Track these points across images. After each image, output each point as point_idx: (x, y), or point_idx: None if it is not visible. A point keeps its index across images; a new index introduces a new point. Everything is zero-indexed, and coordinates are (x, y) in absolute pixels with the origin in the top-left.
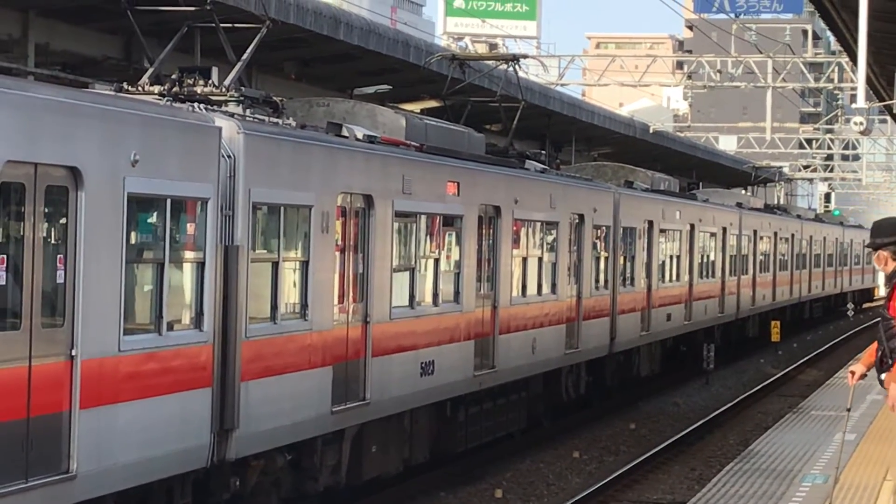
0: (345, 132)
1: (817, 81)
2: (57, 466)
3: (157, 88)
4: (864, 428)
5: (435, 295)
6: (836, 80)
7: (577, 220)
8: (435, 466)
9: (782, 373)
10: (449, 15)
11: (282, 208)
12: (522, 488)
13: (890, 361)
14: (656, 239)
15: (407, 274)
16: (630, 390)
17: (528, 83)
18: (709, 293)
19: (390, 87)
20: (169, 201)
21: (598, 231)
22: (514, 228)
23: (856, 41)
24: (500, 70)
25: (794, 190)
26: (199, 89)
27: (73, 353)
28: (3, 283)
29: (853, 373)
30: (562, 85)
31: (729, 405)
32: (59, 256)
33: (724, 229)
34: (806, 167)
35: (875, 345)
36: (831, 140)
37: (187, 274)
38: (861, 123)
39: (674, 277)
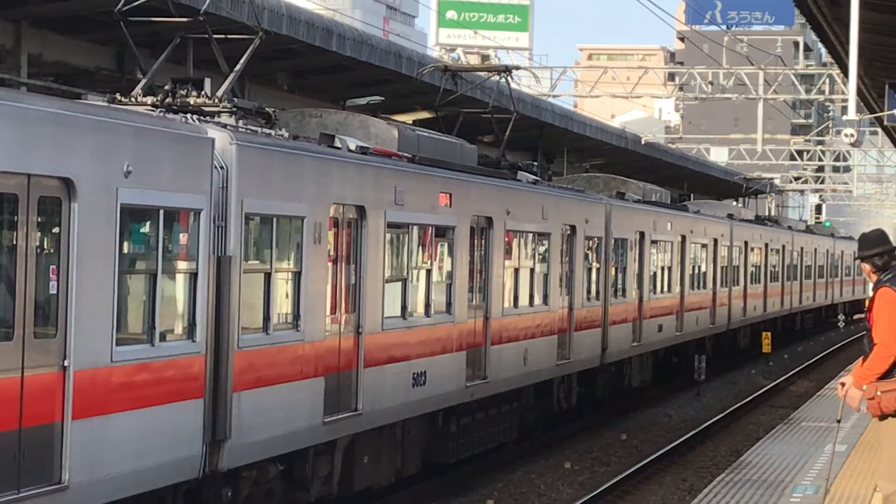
0: (337, 143)
1: (808, 93)
2: (49, 477)
3: (149, 99)
4: (855, 439)
5: (427, 306)
6: (827, 92)
7: (568, 232)
8: (427, 477)
9: (773, 384)
10: (441, 26)
11: (274, 219)
12: (514, 499)
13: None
14: (648, 250)
15: (399, 285)
16: (621, 401)
17: (520, 94)
18: (700, 304)
19: (383, 99)
20: (162, 212)
21: (590, 242)
22: (506, 239)
23: (847, 53)
24: (492, 81)
25: (785, 201)
26: (191, 100)
27: (66, 363)
28: None
29: (843, 384)
30: (554, 96)
31: (720, 416)
32: (51, 267)
33: (716, 241)
34: (797, 179)
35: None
36: (822, 152)
37: (180, 284)
38: (852, 135)
39: (665, 288)
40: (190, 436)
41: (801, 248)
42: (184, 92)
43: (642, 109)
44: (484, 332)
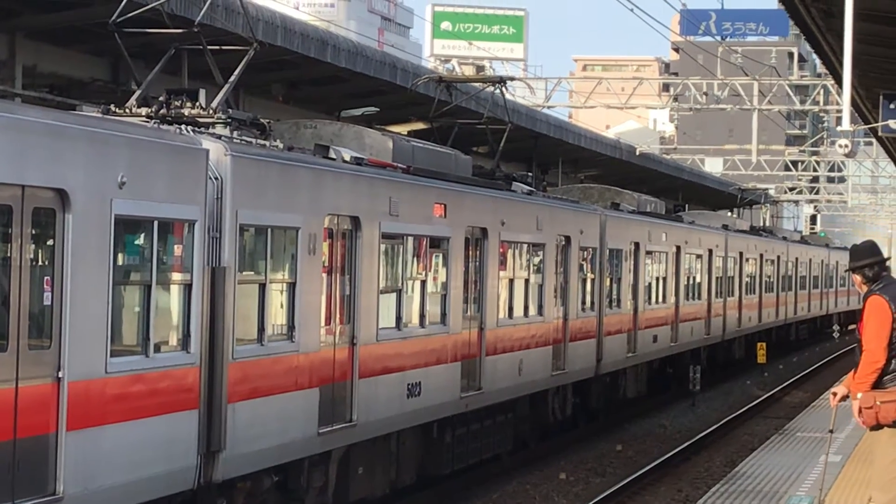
0: (332, 154)
1: (803, 104)
2: (43, 488)
3: (144, 110)
4: (850, 450)
5: (422, 316)
6: (821, 103)
7: (563, 242)
8: (421, 488)
9: (768, 394)
10: (436, 37)
11: (269, 230)
12: None
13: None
14: (643, 261)
15: (394, 295)
16: (616, 412)
17: (514, 105)
18: (695, 315)
19: (377, 110)
20: (156, 223)
21: (585, 253)
22: (501, 250)
23: (841, 64)
24: (486, 92)
25: (780, 212)
26: (186, 111)
27: (60, 374)
28: None
29: (835, 394)
30: (548, 107)
31: (715, 427)
32: (46, 278)
33: (711, 251)
34: (791, 189)
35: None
36: (817, 162)
37: (174, 296)
38: (846, 146)
39: (660, 299)
40: (184, 447)
41: (796, 259)
42: (178, 103)
43: (637, 120)
44: (479, 343)
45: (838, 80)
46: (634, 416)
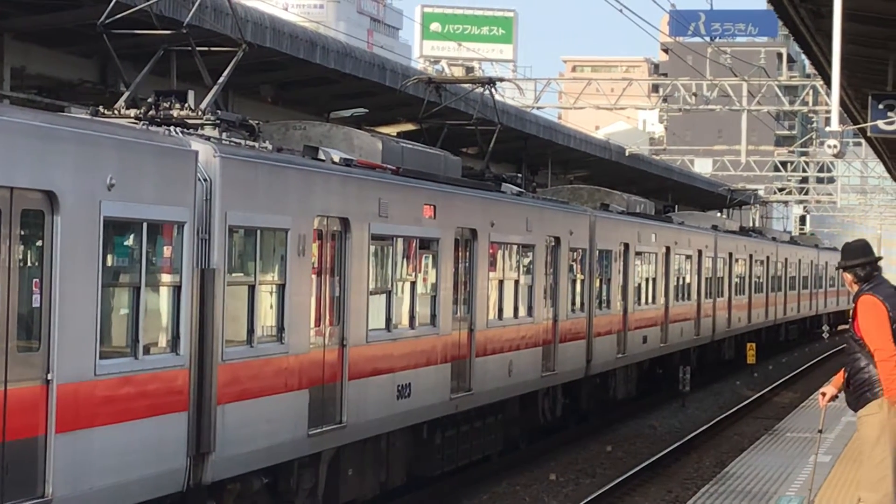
0: (321, 155)
1: (792, 104)
2: (32, 491)
3: (133, 112)
4: (839, 450)
5: (411, 318)
6: (810, 103)
7: (553, 243)
8: (412, 489)
9: (758, 395)
10: (425, 38)
11: (258, 231)
12: None
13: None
14: (632, 262)
15: (383, 297)
16: (606, 413)
17: (504, 106)
18: (685, 316)
19: (367, 111)
20: (145, 225)
21: (575, 254)
22: (491, 251)
23: (830, 64)
24: (476, 93)
25: (770, 212)
26: (175, 113)
27: (49, 377)
28: None
29: (824, 394)
30: (538, 108)
31: (705, 427)
32: (34, 280)
33: (700, 252)
34: (781, 190)
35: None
36: (806, 163)
37: (163, 297)
38: (835, 146)
39: (650, 300)
40: (174, 449)
41: (786, 259)
42: (167, 104)
43: (626, 121)
44: (469, 344)
45: (827, 81)
46: (624, 416)
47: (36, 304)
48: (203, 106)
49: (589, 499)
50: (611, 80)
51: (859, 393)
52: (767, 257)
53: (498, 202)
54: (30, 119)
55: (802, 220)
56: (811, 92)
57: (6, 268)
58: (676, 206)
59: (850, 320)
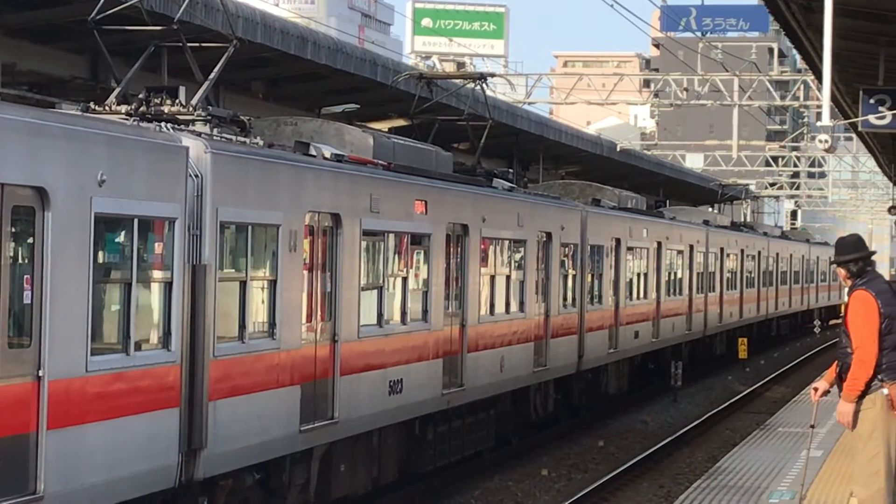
0: (312, 151)
1: (783, 99)
2: (24, 487)
3: (124, 108)
4: (831, 444)
5: (403, 313)
6: (801, 98)
7: (544, 239)
8: (404, 485)
9: (750, 390)
10: (417, 34)
11: (249, 227)
12: None
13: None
14: (624, 257)
15: (375, 292)
16: (598, 408)
17: (495, 102)
18: (676, 311)
19: (358, 106)
20: (136, 221)
21: (566, 249)
22: (482, 247)
23: (821, 59)
24: (467, 89)
25: (761, 207)
26: (166, 109)
27: (41, 373)
28: None
29: (816, 389)
30: (529, 103)
31: (697, 422)
32: (25, 277)
33: (692, 247)
34: (772, 185)
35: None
36: (797, 158)
37: (155, 293)
38: (826, 141)
39: (641, 295)
40: (166, 445)
41: (777, 254)
42: (158, 100)
43: (618, 116)
44: (460, 340)
45: (818, 76)
46: (616, 412)
47: (27, 301)
48: (194, 102)
49: (581, 494)
50: (602, 75)
51: None
52: (759, 252)
53: (489, 197)
54: (20, 115)
55: (794, 214)
56: (802, 87)
57: None
58: (668, 202)
59: (843, 315)
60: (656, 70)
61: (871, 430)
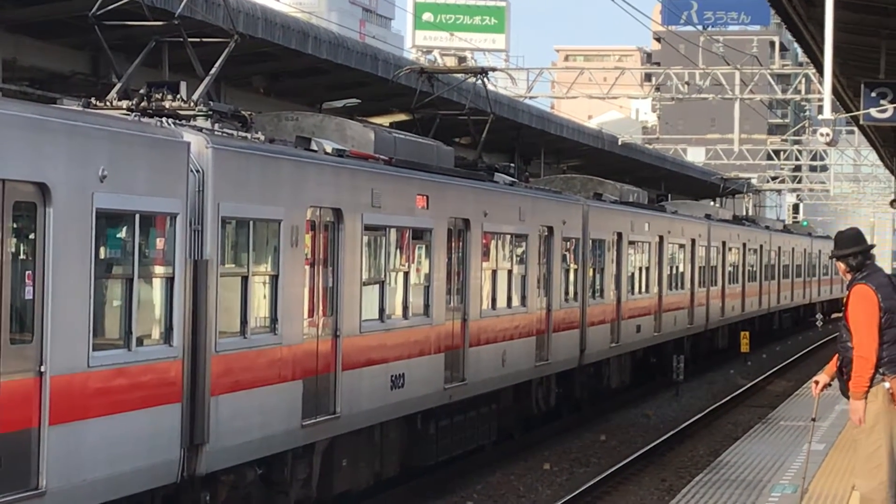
0: (314, 146)
1: (785, 93)
2: (26, 483)
3: (125, 103)
4: (833, 438)
5: (405, 308)
6: (803, 92)
7: (546, 233)
8: (406, 480)
9: (752, 383)
10: (418, 28)
11: (251, 222)
12: (493, 501)
13: (846, 371)
14: (625, 251)
15: (377, 287)
16: (600, 402)
17: (496, 96)
18: (678, 305)
19: (359, 101)
20: (137, 216)
21: (568, 243)
22: (484, 241)
23: (822, 53)
24: (468, 83)
25: (763, 201)
26: (167, 104)
27: (42, 369)
28: None
29: (817, 382)
30: (530, 98)
31: (699, 416)
32: (27, 272)
33: (693, 241)
34: (774, 178)
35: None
36: (799, 151)
37: (156, 289)
38: (827, 134)
39: (643, 289)
40: (168, 440)
41: (779, 248)
42: (159, 96)
43: (619, 110)
44: (462, 334)
45: (819, 69)
46: (618, 406)
47: (29, 297)
48: (195, 97)
49: (583, 488)
50: (603, 69)
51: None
52: (760, 246)
53: (491, 192)
54: (22, 111)
55: (795, 208)
56: (804, 80)
57: None
58: (669, 196)
59: (843, 308)
60: (657, 64)
61: (872, 423)
